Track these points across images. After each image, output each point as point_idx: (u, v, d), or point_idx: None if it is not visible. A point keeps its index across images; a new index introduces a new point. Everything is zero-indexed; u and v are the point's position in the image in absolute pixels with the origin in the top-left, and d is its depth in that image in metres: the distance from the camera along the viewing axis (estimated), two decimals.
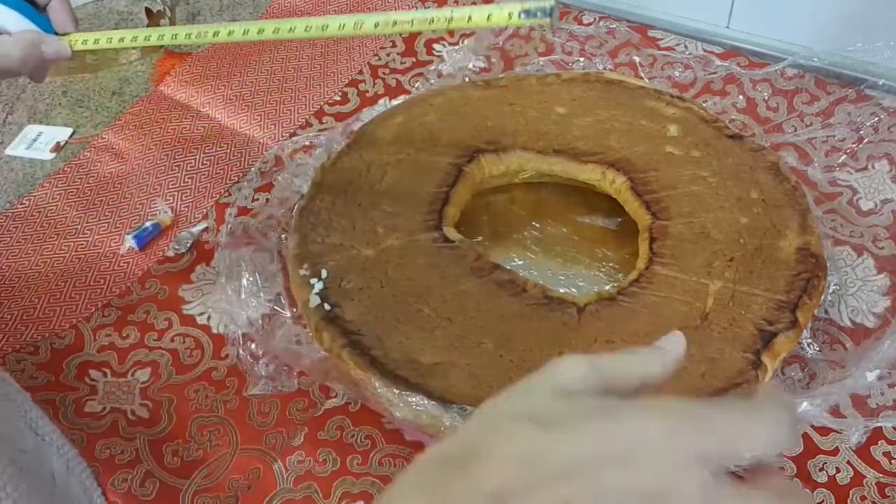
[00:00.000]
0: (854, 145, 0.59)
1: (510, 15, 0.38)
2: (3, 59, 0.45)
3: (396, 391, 0.40)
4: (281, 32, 0.44)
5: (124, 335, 0.53)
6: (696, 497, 0.21)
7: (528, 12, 0.38)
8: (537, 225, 0.56)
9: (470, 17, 0.39)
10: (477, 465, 0.24)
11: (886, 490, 0.43)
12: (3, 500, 0.35)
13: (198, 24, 0.48)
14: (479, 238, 0.55)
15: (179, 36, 0.48)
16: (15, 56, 0.45)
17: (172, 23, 0.79)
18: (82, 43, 0.48)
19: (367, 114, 0.62)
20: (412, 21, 0.41)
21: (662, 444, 0.21)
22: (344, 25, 0.43)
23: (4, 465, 0.36)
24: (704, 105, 0.60)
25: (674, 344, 0.29)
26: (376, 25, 0.42)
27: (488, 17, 0.39)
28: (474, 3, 0.73)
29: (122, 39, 0.48)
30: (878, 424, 0.44)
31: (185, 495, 0.45)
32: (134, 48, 0.48)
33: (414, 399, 0.40)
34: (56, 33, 0.49)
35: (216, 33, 0.47)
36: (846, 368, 0.43)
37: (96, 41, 0.48)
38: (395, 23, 0.42)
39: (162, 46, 0.49)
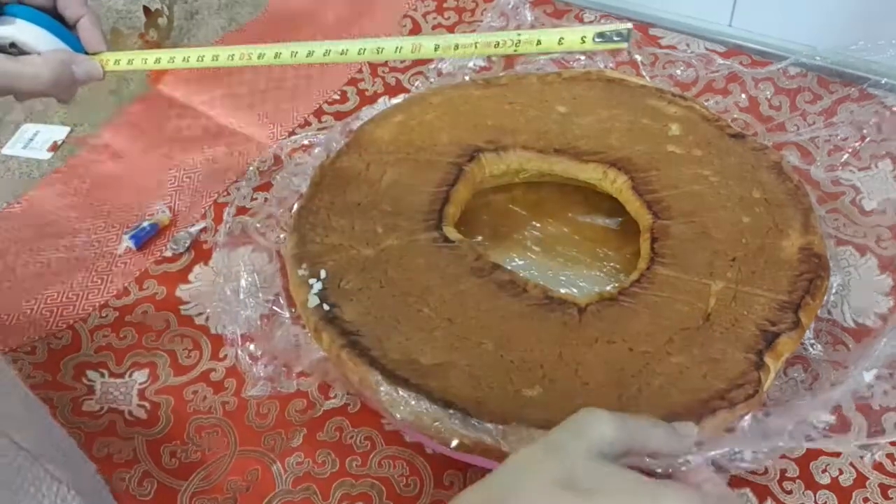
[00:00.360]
0: (857, 144, 0.59)
1: (583, 39, 0.36)
2: (32, 80, 0.43)
3: (396, 392, 0.40)
4: (349, 55, 0.43)
5: (121, 336, 0.53)
6: None
7: (602, 36, 0.35)
8: (537, 225, 0.56)
9: (539, 41, 0.37)
10: None
11: (889, 492, 0.42)
12: None
13: (241, 46, 0.45)
14: (479, 238, 0.55)
15: (221, 58, 0.46)
16: (45, 77, 0.43)
17: (170, 22, 0.78)
18: (115, 63, 0.46)
19: (367, 113, 0.61)
20: (475, 44, 0.39)
21: None
22: (401, 48, 0.42)
23: (57, 484, 0.37)
24: (706, 104, 0.60)
25: (688, 433, 0.32)
26: (436, 48, 0.41)
27: (559, 41, 0.36)
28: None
29: (157, 61, 0.46)
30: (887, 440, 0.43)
31: (183, 496, 0.45)
32: (170, 68, 0.46)
33: (414, 400, 0.39)
34: (86, 53, 0.47)
35: (261, 55, 0.45)
36: (848, 369, 0.43)
37: (130, 62, 0.46)
38: (456, 46, 0.40)
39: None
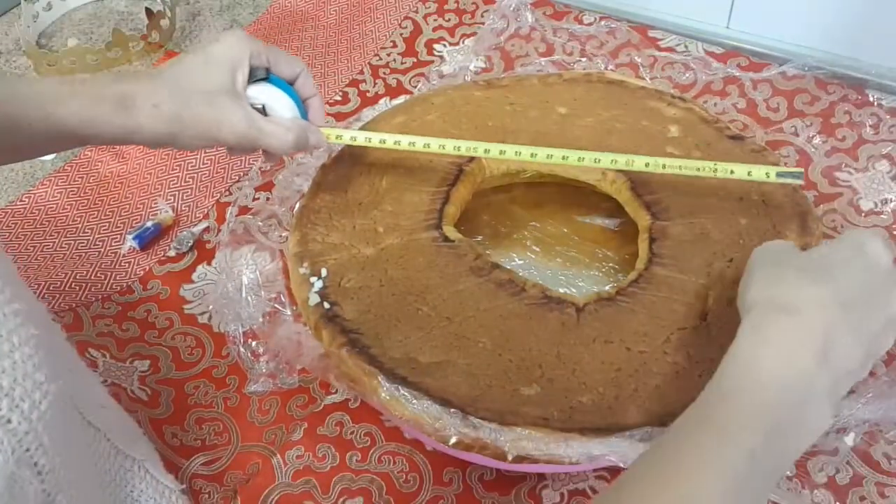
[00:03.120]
0: (854, 145, 0.59)
1: (767, 174, 0.46)
2: (280, 140, 0.46)
3: (396, 390, 0.40)
4: (570, 159, 0.49)
5: (124, 328, 0.53)
6: None
7: (782, 175, 0.46)
8: (537, 225, 0.56)
9: (732, 171, 0.46)
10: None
11: (886, 490, 0.43)
12: None
13: (457, 140, 0.50)
14: (479, 237, 0.56)
15: (432, 146, 0.50)
16: (290, 139, 0.47)
17: (172, 23, 0.79)
18: (336, 137, 0.51)
19: (368, 113, 0.62)
20: (680, 167, 0.47)
21: None
22: (616, 161, 0.48)
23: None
24: (705, 106, 0.60)
25: None
26: (647, 165, 0.47)
27: (748, 174, 0.46)
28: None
29: (382, 141, 0.50)
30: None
31: (185, 473, 0.46)
32: (381, 148, 0.51)
33: (413, 398, 0.40)
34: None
35: (504, 152, 0.50)
36: None
37: (353, 139, 0.51)
38: (664, 166, 0.47)
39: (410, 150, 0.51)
